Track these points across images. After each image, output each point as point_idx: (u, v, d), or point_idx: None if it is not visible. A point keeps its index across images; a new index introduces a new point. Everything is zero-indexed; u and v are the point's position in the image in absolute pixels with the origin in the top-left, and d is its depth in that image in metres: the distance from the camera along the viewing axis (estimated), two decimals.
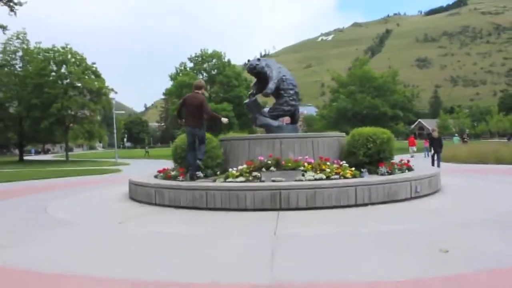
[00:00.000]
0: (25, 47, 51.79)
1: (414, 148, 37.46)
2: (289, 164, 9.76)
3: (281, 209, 8.25)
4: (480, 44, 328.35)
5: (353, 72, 59.42)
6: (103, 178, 20.95)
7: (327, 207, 8.29)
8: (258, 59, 12.24)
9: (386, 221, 7.13)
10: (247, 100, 12.60)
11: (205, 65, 67.33)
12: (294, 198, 8.26)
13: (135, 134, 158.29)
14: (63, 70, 49.18)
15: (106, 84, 52.39)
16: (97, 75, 52.82)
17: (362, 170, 10.39)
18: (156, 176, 11.29)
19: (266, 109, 12.79)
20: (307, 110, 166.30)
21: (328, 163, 9.94)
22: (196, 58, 68.32)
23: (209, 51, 66.54)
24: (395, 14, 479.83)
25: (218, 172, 10.84)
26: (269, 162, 9.91)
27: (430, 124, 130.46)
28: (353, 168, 9.80)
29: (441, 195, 9.99)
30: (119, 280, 4.51)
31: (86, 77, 50.94)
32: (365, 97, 55.58)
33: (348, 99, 56.47)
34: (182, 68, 69.57)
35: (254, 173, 9.61)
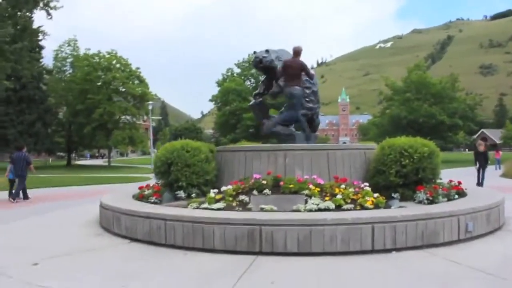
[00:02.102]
0: (75, 53, 52.33)
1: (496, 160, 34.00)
2: (290, 186, 7.24)
3: (261, 252, 5.76)
4: None
5: (409, 78, 55.34)
6: (122, 188, 19.19)
7: (329, 253, 5.69)
8: (267, 51, 9.77)
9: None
10: (251, 102, 10.20)
11: (252, 71, 65.37)
12: (281, 238, 5.73)
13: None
14: (104, 75, 48.75)
15: (150, 90, 51.65)
16: (141, 80, 52.28)
17: (393, 195, 7.69)
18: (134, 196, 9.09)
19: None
20: (362, 119, 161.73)
21: (343, 186, 7.32)
22: (244, 64, 66.76)
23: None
24: (457, 20, 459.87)
25: (210, 192, 8.45)
26: (263, 182, 7.43)
27: (494, 135, 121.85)
28: (376, 195, 7.09)
29: (506, 235, 7.07)
30: None
31: (130, 82, 50.52)
32: (421, 105, 51.56)
33: (403, 106, 52.69)
34: (229, 74, 68.33)
35: (242, 197, 7.18)
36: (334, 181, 7.64)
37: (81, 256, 5.98)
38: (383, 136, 51.48)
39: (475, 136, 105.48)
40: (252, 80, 65.38)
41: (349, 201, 6.83)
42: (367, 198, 6.83)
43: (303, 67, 9.24)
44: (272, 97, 9.91)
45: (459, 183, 8.75)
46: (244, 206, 6.89)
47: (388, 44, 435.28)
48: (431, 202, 7.37)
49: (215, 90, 66.20)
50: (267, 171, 7.92)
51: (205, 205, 6.96)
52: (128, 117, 50.96)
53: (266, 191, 7.25)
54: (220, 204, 6.88)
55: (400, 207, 6.91)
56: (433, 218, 6.13)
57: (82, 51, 51.96)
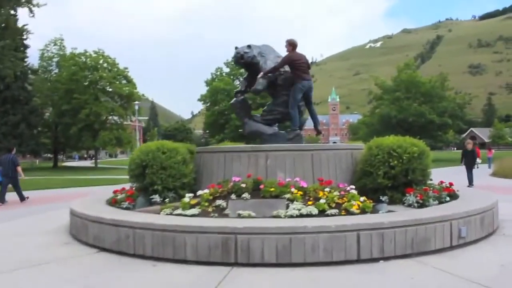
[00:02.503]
0: (62, 53, 51.44)
1: (478, 160, 34.10)
2: (271, 189, 6.74)
3: (236, 263, 5.26)
4: None
5: (399, 77, 55.12)
6: (104, 190, 18.56)
7: (310, 264, 5.21)
8: (249, 46, 9.26)
9: None
10: (233, 100, 9.68)
11: (241, 70, 64.74)
12: (258, 247, 5.23)
13: (179, 141, 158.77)
14: (91, 75, 47.90)
15: (137, 90, 50.90)
16: (129, 80, 51.50)
17: (381, 198, 7.23)
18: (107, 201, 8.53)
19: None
20: (352, 118, 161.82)
21: (328, 189, 6.84)
22: (233, 63, 66.10)
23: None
24: (446, 20, 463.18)
25: (186, 196, 7.92)
26: (242, 185, 6.92)
27: (482, 133, 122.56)
28: (362, 198, 6.61)
29: (501, 240, 6.64)
30: None
31: (117, 82, 49.72)
32: (411, 104, 51.38)
33: (392, 105, 52.46)
34: (218, 73, 67.67)
35: (219, 202, 6.67)
36: (319, 183, 7.17)
37: (38, 270, 5.42)
38: (372, 135, 51.55)
39: (464, 135, 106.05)
40: (242, 79, 64.79)
41: (333, 205, 6.35)
42: (353, 202, 6.36)
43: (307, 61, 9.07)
44: (255, 93, 9.40)
45: (451, 184, 8.32)
46: (220, 212, 6.38)
47: (378, 44, 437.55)
48: (422, 205, 6.91)
49: (205, 89, 65.51)
50: (247, 173, 7.42)
51: (179, 211, 6.44)
52: (115, 118, 50.14)
53: (245, 195, 6.75)
54: (195, 210, 6.36)
55: (389, 211, 6.45)
56: (424, 224, 5.67)
57: (69, 51, 51.08)
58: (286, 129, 9.68)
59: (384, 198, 7.26)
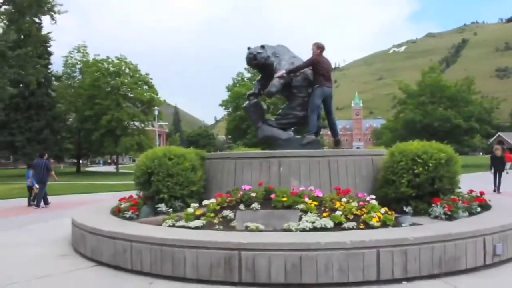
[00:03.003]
0: (85, 59, 51.99)
1: (508, 165, 34.00)
2: (282, 199, 6.18)
3: (241, 283, 4.71)
4: None
5: (423, 81, 53.79)
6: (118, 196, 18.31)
7: (323, 285, 4.63)
8: (262, 46, 8.73)
9: None
10: (245, 103, 9.16)
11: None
12: (264, 266, 4.68)
13: (202, 146, 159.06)
14: (114, 81, 48.23)
15: (158, 95, 50.98)
16: (150, 86, 51.63)
17: (404, 209, 6.60)
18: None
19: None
20: (376, 123, 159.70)
21: (345, 199, 6.24)
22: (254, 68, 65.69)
23: None
24: (472, 23, 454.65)
25: (191, 206, 7.42)
26: (252, 194, 6.38)
27: (511, 138, 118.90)
28: (383, 209, 5.98)
29: None
30: None
31: (139, 88, 49.89)
32: (436, 108, 50.03)
33: (417, 110, 51.19)
34: (240, 78, 67.41)
35: (226, 213, 6.15)
36: (335, 193, 6.58)
37: (25, 286, 4.99)
38: (396, 140, 50.53)
39: (491, 140, 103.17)
40: (255, 82, 64.19)
41: (351, 217, 5.76)
42: (372, 214, 5.74)
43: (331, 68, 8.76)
44: (269, 96, 8.83)
45: (482, 193, 7.60)
46: (227, 223, 5.85)
47: (402, 49, 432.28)
48: (450, 217, 6.25)
49: (226, 95, 65.28)
50: (258, 181, 6.88)
51: (182, 223, 5.94)
52: (136, 123, 50.28)
53: (255, 205, 6.21)
54: (199, 222, 5.85)
55: (413, 224, 5.81)
56: (453, 240, 5.03)
57: (92, 57, 51.55)
58: (303, 134, 9.12)
59: (407, 209, 6.63)
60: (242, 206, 6.26)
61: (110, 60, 50.42)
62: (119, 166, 57.96)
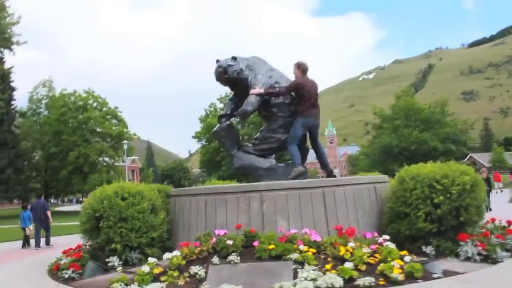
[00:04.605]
0: (51, 94, 50.04)
1: (500, 184, 34.89)
2: (269, 247, 4.66)
3: None
4: None
5: (397, 105, 53.67)
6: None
7: None
8: (234, 58, 7.32)
9: None
10: (216, 127, 7.68)
11: None
12: None
13: (177, 180, 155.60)
14: (81, 116, 46.32)
15: (128, 129, 49.07)
16: (119, 119, 49.72)
17: (424, 249, 5.16)
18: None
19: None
20: (350, 150, 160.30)
21: (352, 243, 4.75)
22: (226, 98, 64.78)
23: None
24: (436, 49, 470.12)
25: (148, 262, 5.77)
26: (228, 242, 4.83)
27: (482, 158, 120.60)
28: (407, 258, 4.51)
29: None
30: None
31: (107, 122, 47.96)
32: (411, 132, 49.71)
33: (393, 134, 50.79)
34: (212, 109, 66.29)
35: (195, 269, 4.56)
36: (336, 234, 5.09)
37: None
38: (375, 166, 49.82)
39: (464, 161, 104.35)
40: (226, 101, 63.14)
41: (363, 268, 4.27)
42: (393, 263, 4.26)
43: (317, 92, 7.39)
44: (243, 116, 7.34)
45: (510, 223, 6.24)
46: (197, 285, 4.28)
47: (371, 76, 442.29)
48: (486, 258, 4.85)
49: (199, 127, 63.92)
50: (236, 223, 5.35)
51: (135, 287, 4.33)
52: (106, 159, 48.08)
53: (233, 257, 4.67)
54: (157, 286, 4.25)
55: (446, 272, 4.35)
56: None
57: (58, 92, 49.61)
58: (287, 162, 7.66)
59: (427, 250, 5.20)
60: (215, 259, 4.70)
61: (77, 94, 48.53)
62: None
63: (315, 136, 7.35)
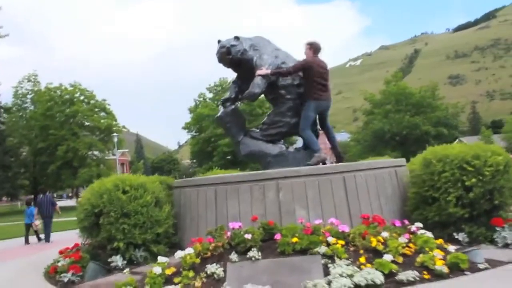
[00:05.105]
0: (36, 89, 48.92)
1: None
2: (293, 241, 4.20)
3: None
4: None
5: (387, 90, 53.39)
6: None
7: None
8: (237, 37, 6.81)
9: None
10: (219, 112, 7.19)
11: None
12: None
13: (167, 172, 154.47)
14: (68, 109, 45.36)
15: (117, 122, 48.20)
16: (108, 112, 48.78)
17: (456, 236, 4.76)
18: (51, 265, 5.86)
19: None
20: (340, 137, 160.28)
21: (386, 232, 4.31)
22: (216, 88, 64.06)
23: (229, 79, 61.90)
24: (422, 34, 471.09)
25: (158, 262, 5.29)
26: (246, 236, 4.36)
27: (471, 142, 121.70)
28: (452, 247, 4.09)
29: None
30: None
31: (95, 115, 47.03)
32: (403, 116, 49.51)
33: (384, 119, 50.55)
34: (201, 99, 65.51)
35: (211, 269, 4.10)
36: (362, 223, 4.65)
37: None
38: (367, 152, 49.74)
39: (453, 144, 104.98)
40: (230, 84, 62.41)
41: (400, 260, 3.84)
42: (434, 253, 3.83)
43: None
44: (251, 99, 6.83)
45: None
46: (216, 287, 3.81)
47: (358, 62, 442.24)
48: None
49: (189, 117, 63.15)
50: (251, 215, 4.88)
51: None
52: (95, 153, 47.24)
53: (253, 252, 4.19)
54: (173, 287, 3.77)
55: (490, 261, 3.93)
56: None
57: (44, 86, 48.49)
58: (296, 148, 7.19)
59: (460, 236, 4.80)
60: (234, 255, 4.23)
61: (63, 87, 47.45)
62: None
63: (325, 118, 6.89)
